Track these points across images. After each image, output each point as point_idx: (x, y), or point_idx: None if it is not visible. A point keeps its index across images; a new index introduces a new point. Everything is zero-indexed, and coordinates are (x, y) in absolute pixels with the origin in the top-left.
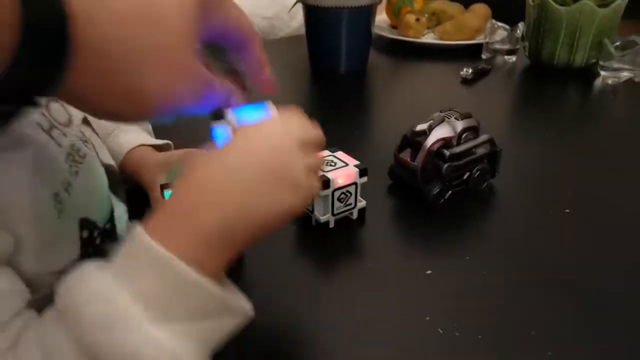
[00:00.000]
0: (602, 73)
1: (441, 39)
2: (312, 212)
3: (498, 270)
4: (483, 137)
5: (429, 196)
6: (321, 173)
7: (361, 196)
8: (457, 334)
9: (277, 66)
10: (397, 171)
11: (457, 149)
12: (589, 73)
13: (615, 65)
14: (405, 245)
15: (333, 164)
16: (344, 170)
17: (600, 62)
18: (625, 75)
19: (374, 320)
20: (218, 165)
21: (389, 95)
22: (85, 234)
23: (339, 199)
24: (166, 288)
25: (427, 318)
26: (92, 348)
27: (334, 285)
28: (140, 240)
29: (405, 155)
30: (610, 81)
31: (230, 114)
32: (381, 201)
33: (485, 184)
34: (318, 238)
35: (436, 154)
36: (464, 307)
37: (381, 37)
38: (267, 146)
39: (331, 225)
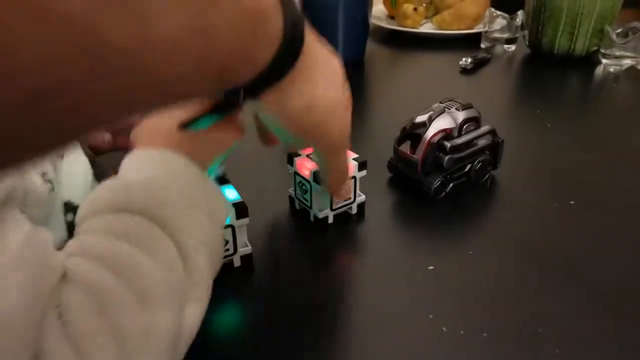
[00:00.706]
0: (604, 61)
1: (439, 28)
2: (311, 207)
3: (502, 265)
4: (485, 128)
5: (430, 189)
6: (316, 167)
7: (360, 190)
8: (462, 332)
9: None
10: (397, 164)
11: (458, 141)
12: (590, 61)
13: (617, 53)
14: (407, 240)
15: None
16: None
17: (602, 50)
18: (627, 62)
19: (376, 318)
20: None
21: (388, 86)
22: (69, 217)
23: None
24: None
25: (431, 316)
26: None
27: (335, 281)
28: (140, 152)
29: (405, 148)
30: (612, 69)
31: None
32: (381, 195)
33: (487, 176)
34: (317, 234)
35: (437, 146)
36: (468, 303)
37: (378, 28)
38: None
39: (330, 220)
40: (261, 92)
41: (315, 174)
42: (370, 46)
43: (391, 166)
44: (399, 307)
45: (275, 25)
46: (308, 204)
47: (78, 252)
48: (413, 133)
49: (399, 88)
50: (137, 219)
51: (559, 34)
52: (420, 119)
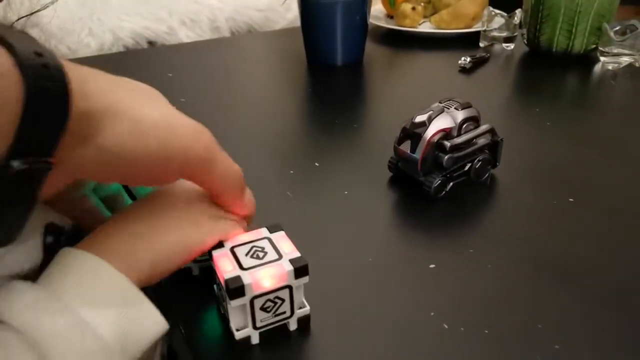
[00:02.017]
0: (602, 59)
1: (438, 27)
2: (229, 322)
3: (502, 262)
4: (484, 127)
5: (430, 188)
6: (228, 274)
7: (312, 307)
8: (462, 329)
9: (273, 59)
10: (397, 163)
11: (458, 140)
12: (588, 59)
13: (615, 51)
14: (407, 239)
15: (261, 254)
16: (272, 267)
17: (600, 48)
18: (626, 60)
19: (378, 315)
20: (132, 206)
21: (387, 86)
22: (49, 239)
23: (264, 308)
24: (97, 289)
25: (432, 313)
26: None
27: (336, 280)
28: (69, 252)
29: (405, 147)
30: (610, 67)
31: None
32: (381, 194)
33: (486, 175)
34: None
35: (436, 146)
36: (469, 301)
37: (377, 28)
38: (171, 199)
39: (254, 341)
40: (49, 153)
41: (227, 282)
42: (369, 46)
43: (391, 165)
44: (400, 305)
45: (8, 93)
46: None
47: None
48: (413, 132)
49: (397, 87)
50: (14, 341)
51: (557, 32)
52: (420, 118)
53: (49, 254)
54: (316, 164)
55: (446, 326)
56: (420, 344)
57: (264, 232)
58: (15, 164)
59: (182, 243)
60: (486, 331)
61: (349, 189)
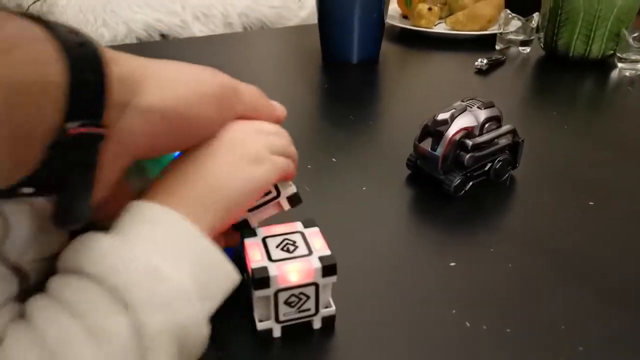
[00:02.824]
0: (620, 65)
1: (453, 29)
2: (253, 312)
3: (523, 262)
4: (506, 127)
5: (450, 187)
6: (256, 263)
7: (333, 298)
8: (484, 327)
9: (288, 55)
10: (416, 161)
11: (480, 139)
12: (605, 65)
13: (633, 57)
14: (427, 237)
15: (292, 248)
16: (301, 262)
17: (618, 54)
18: None
19: (398, 313)
20: (191, 153)
21: (403, 85)
22: None
23: (288, 303)
24: (174, 239)
25: (454, 311)
26: (115, 291)
27: (355, 277)
28: (140, 205)
29: (426, 145)
30: (627, 73)
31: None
32: (399, 192)
33: (506, 175)
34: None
35: (458, 144)
36: (490, 299)
37: (392, 27)
38: (229, 129)
39: (276, 334)
40: (99, 115)
41: (254, 272)
42: (384, 45)
43: (410, 163)
44: (421, 302)
45: (55, 76)
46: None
47: (26, 316)
48: (435, 130)
49: (413, 87)
50: (94, 290)
51: (575, 37)
52: (442, 116)
53: (72, 235)
54: (333, 159)
55: (468, 324)
56: (442, 341)
57: (298, 226)
58: (70, 125)
59: (248, 184)
60: (508, 330)
61: (366, 185)
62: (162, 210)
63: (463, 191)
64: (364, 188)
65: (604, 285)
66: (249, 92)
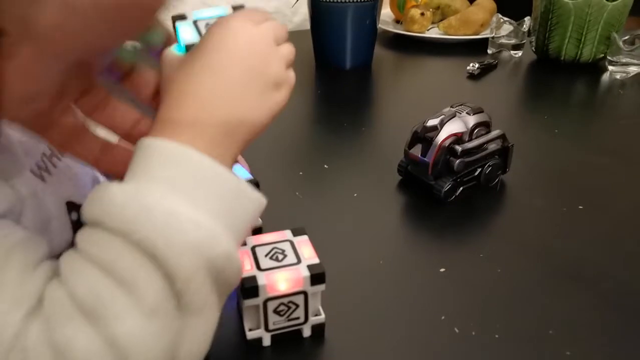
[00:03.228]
0: (610, 68)
1: (446, 33)
2: (242, 321)
3: (513, 267)
4: (495, 133)
5: (440, 192)
6: (245, 273)
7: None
8: (473, 333)
9: None
10: (407, 167)
11: (469, 145)
12: (596, 68)
13: (624, 60)
14: (417, 242)
15: (280, 256)
16: (289, 271)
17: (609, 57)
18: (634, 69)
19: (388, 319)
20: (204, 69)
21: (395, 90)
22: (74, 216)
23: (277, 311)
24: (191, 177)
25: (443, 317)
26: (141, 243)
27: (346, 282)
28: (155, 143)
29: (416, 151)
30: (618, 76)
31: (192, 14)
32: (390, 197)
33: (496, 180)
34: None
35: (448, 150)
36: (480, 305)
37: (385, 32)
38: (243, 43)
39: (265, 343)
40: None
41: (243, 281)
42: (377, 50)
43: (401, 169)
44: (411, 308)
45: None
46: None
47: (60, 276)
48: (424, 136)
49: (406, 92)
50: (119, 244)
51: (566, 41)
52: (432, 122)
53: (76, 230)
54: (325, 165)
55: (457, 330)
56: (431, 348)
57: (287, 234)
58: None
59: (272, 112)
60: (497, 336)
61: (358, 191)
62: (177, 149)
63: (453, 196)
64: (355, 194)
65: (592, 289)
66: None
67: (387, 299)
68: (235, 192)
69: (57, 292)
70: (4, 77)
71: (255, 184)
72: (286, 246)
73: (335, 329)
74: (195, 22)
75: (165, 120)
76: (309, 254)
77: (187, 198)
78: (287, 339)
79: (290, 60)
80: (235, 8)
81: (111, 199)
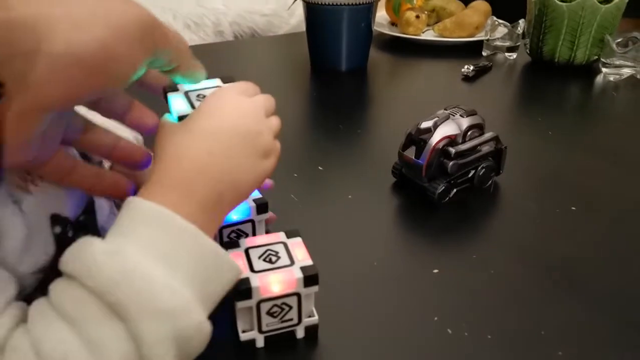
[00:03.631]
0: (604, 70)
1: (441, 36)
2: (236, 323)
3: (506, 269)
4: (488, 135)
5: (434, 194)
6: (243, 275)
7: (315, 309)
8: (466, 334)
9: (278, 64)
10: (401, 169)
11: (463, 147)
12: (590, 70)
13: (617, 62)
14: (411, 244)
15: (274, 258)
16: (283, 272)
17: (602, 59)
18: (627, 72)
19: (382, 321)
20: (197, 135)
21: (390, 93)
22: (57, 229)
23: (270, 313)
24: (173, 242)
25: (436, 318)
26: (114, 305)
27: (340, 284)
28: (141, 204)
29: (410, 153)
30: (612, 78)
31: (184, 86)
32: (385, 199)
33: (490, 182)
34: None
35: (441, 152)
36: (473, 306)
37: (381, 35)
38: (236, 112)
39: (259, 344)
40: None
41: (236, 283)
42: (372, 53)
43: (395, 171)
44: (404, 310)
45: None
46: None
47: (28, 324)
48: (418, 138)
49: (401, 94)
50: (93, 303)
51: (560, 43)
52: (426, 125)
53: (59, 244)
54: (320, 168)
55: (450, 331)
56: (424, 349)
57: (281, 236)
58: None
59: (260, 178)
60: (489, 337)
61: (352, 193)
62: (162, 212)
63: (447, 198)
64: (350, 196)
65: (585, 290)
66: (171, 30)
67: (381, 300)
68: (213, 261)
69: (21, 342)
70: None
71: (264, 204)
72: (280, 248)
73: (329, 331)
74: (186, 93)
75: (155, 183)
76: (302, 256)
77: (166, 263)
78: (280, 341)
79: (277, 131)
80: (225, 80)
81: (92, 257)
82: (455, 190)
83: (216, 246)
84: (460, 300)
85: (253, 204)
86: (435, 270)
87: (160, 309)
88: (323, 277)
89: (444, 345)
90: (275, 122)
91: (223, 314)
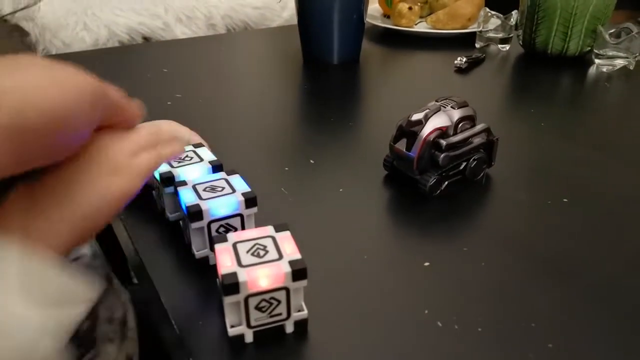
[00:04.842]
0: (597, 61)
1: (434, 27)
2: (225, 318)
3: (497, 261)
4: (480, 126)
5: (426, 187)
6: (225, 269)
7: (305, 303)
8: (456, 327)
9: (270, 56)
10: (392, 161)
11: (454, 139)
12: (583, 61)
13: (610, 53)
14: (402, 237)
15: (262, 252)
16: (271, 267)
17: (595, 50)
18: (620, 62)
19: (372, 314)
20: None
21: (383, 85)
22: None
23: (259, 308)
24: (23, 275)
25: (426, 311)
26: None
27: (330, 278)
28: None
29: (401, 145)
30: (604, 69)
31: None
32: (376, 192)
33: (482, 174)
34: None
35: (432, 144)
36: (463, 299)
37: (373, 27)
38: (97, 142)
39: (248, 339)
40: None
41: (223, 278)
42: (365, 45)
43: (387, 164)
44: (394, 303)
45: None
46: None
47: None
48: (409, 131)
49: (393, 86)
50: None
51: (553, 34)
52: (416, 117)
53: None
54: (311, 161)
55: (440, 324)
56: (414, 342)
57: (269, 230)
58: None
59: (105, 197)
60: (480, 329)
61: (343, 186)
62: (6, 245)
63: (439, 190)
64: (341, 189)
65: (576, 282)
66: (117, 95)
67: (371, 293)
68: (63, 290)
69: None
70: None
71: (253, 198)
72: (268, 242)
73: (319, 325)
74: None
75: (17, 202)
76: (290, 250)
77: (19, 295)
78: (269, 335)
79: (147, 143)
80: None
81: None
82: (446, 182)
83: (65, 276)
84: (450, 293)
85: (242, 198)
86: (426, 263)
87: (11, 346)
88: (313, 271)
89: (434, 338)
90: (129, 140)
91: (211, 309)
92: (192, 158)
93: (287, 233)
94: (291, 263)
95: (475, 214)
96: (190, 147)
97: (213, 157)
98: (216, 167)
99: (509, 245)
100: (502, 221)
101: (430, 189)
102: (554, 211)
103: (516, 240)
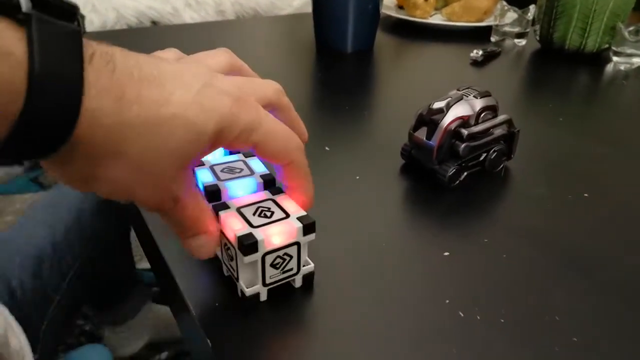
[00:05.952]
0: (615, 59)
1: (449, 20)
2: (238, 279)
3: (518, 253)
4: (502, 117)
5: (445, 177)
6: (240, 231)
7: (310, 256)
8: (478, 317)
9: (282, 44)
10: (411, 151)
11: (475, 129)
12: (600, 58)
13: (628, 51)
14: (421, 226)
15: (268, 213)
16: (281, 224)
17: (613, 48)
18: (638, 61)
19: (392, 303)
20: None
21: (397, 75)
22: None
23: (273, 265)
24: None
25: (447, 301)
26: None
27: (348, 265)
28: None
29: (421, 134)
30: (622, 67)
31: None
32: (393, 181)
33: (501, 166)
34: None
35: (453, 133)
36: (485, 290)
37: (387, 17)
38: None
39: (262, 297)
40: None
41: (241, 239)
42: (379, 35)
43: (404, 153)
44: (415, 292)
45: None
46: (235, 274)
47: None
48: (429, 119)
49: (407, 77)
50: None
51: (571, 30)
52: (438, 105)
53: None
54: (327, 148)
55: (462, 314)
56: (435, 332)
57: (267, 194)
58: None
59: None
60: (502, 320)
61: (360, 174)
62: None
63: (457, 181)
64: (357, 177)
65: (598, 276)
66: (271, 119)
67: (390, 282)
68: None
69: None
70: None
71: (272, 180)
72: (270, 204)
73: (340, 315)
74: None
75: None
76: (294, 208)
77: None
78: (279, 292)
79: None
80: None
81: None
82: (465, 173)
83: None
84: (472, 284)
85: (260, 180)
86: (446, 253)
87: None
88: (331, 260)
89: (456, 328)
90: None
91: (204, 284)
92: (241, 170)
93: (284, 195)
94: (300, 219)
95: (494, 206)
96: (241, 157)
97: (264, 170)
98: (267, 182)
99: (530, 238)
100: (522, 214)
101: (450, 179)
102: (574, 205)
103: (537, 233)
